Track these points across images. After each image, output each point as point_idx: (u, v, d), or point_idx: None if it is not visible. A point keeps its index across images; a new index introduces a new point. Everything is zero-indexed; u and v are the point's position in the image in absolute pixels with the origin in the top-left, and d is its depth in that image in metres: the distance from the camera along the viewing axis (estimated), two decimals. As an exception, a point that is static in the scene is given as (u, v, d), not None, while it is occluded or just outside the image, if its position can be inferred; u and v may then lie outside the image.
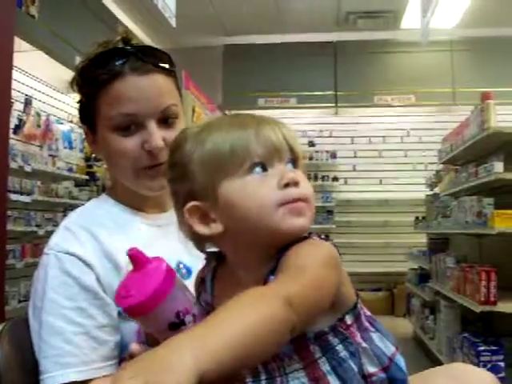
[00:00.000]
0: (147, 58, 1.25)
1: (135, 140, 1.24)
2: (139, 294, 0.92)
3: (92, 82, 1.24)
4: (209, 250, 1.04)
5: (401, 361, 0.97)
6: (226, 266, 1.02)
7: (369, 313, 1.00)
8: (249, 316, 0.73)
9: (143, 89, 1.23)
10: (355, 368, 0.92)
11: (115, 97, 1.21)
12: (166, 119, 1.26)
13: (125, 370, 0.63)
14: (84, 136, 1.37)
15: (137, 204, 1.34)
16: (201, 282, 1.05)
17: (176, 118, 1.28)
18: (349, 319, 0.94)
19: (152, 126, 1.24)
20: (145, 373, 0.61)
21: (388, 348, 0.96)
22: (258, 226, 0.93)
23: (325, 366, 0.92)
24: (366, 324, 0.97)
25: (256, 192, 0.94)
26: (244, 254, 0.97)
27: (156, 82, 1.25)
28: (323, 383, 0.91)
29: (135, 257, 0.97)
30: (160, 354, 0.64)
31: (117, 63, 1.22)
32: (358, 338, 0.94)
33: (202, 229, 0.97)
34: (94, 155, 6.03)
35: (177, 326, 0.96)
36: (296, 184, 0.94)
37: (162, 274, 0.94)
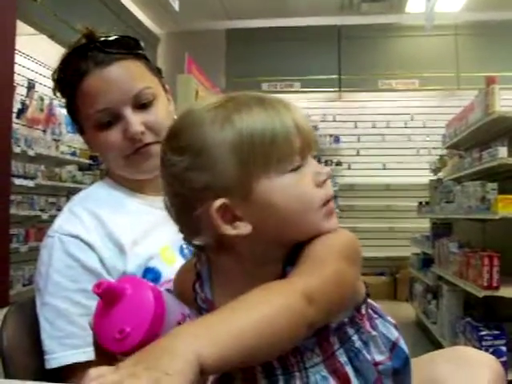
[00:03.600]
0: (109, 49, 1.25)
1: (116, 132, 1.25)
2: (137, 329, 0.81)
3: (66, 86, 1.26)
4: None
5: (403, 344, 0.97)
6: (226, 260, 0.91)
7: (370, 301, 0.99)
8: (264, 308, 0.70)
9: (110, 79, 1.23)
10: (369, 357, 0.91)
11: (87, 94, 1.23)
12: (141, 104, 1.27)
13: (128, 359, 0.63)
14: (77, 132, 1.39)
15: (137, 187, 1.35)
16: (196, 279, 0.96)
17: (153, 100, 1.28)
18: (363, 309, 0.94)
19: (128, 113, 1.25)
20: (146, 360, 0.61)
21: (391, 333, 0.96)
22: (300, 226, 0.86)
23: (342, 357, 0.90)
24: (370, 311, 0.96)
25: (299, 191, 0.85)
26: (263, 249, 0.87)
27: (122, 69, 1.25)
28: (341, 374, 0.90)
29: (108, 291, 0.83)
30: (163, 343, 0.64)
31: (81, 61, 1.23)
32: (368, 327, 0.93)
33: (229, 230, 0.83)
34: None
35: None
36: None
37: (150, 298, 0.84)
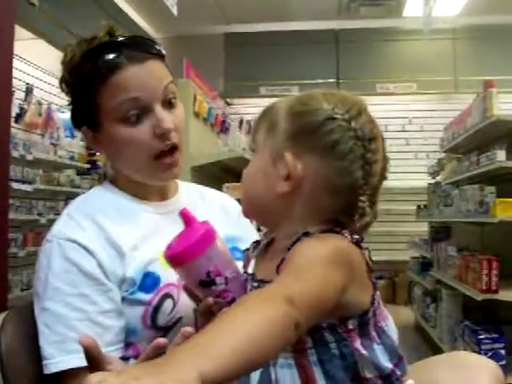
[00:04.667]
0: (140, 47, 1.25)
1: (145, 127, 1.24)
2: (177, 246, 1.02)
3: (89, 79, 1.23)
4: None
5: (403, 369, 0.97)
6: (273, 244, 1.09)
7: (383, 324, 0.99)
8: (251, 320, 0.72)
9: (143, 76, 1.23)
10: (343, 368, 0.93)
11: (117, 87, 1.21)
12: (168, 101, 1.27)
13: (131, 368, 0.63)
14: (85, 137, 1.35)
15: (140, 193, 1.34)
16: (246, 261, 1.13)
17: (176, 98, 1.29)
18: (351, 324, 0.94)
19: (159, 109, 1.24)
20: (149, 368, 0.62)
21: (389, 362, 0.96)
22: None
23: (312, 357, 0.93)
24: (373, 334, 0.96)
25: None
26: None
27: (153, 67, 1.26)
28: (307, 371, 0.93)
29: (184, 215, 1.06)
30: (165, 358, 0.65)
31: (112, 56, 1.22)
32: (358, 344, 0.93)
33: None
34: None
35: (207, 284, 1.02)
36: None
37: (200, 234, 1.02)
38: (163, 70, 1.29)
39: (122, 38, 1.26)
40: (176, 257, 1.02)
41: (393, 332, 1.00)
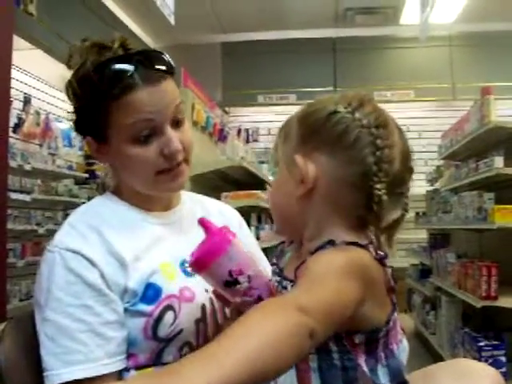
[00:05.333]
0: (155, 65, 1.24)
1: (154, 147, 1.23)
2: (198, 252, 1.06)
3: (101, 93, 1.21)
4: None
5: None
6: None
7: (394, 347, 0.99)
8: (264, 330, 0.72)
9: (157, 98, 1.22)
10: (342, 380, 0.93)
11: (130, 107, 1.20)
12: (176, 120, 1.27)
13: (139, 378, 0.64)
14: (88, 146, 1.33)
15: (143, 203, 1.33)
16: (280, 254, 1.17)
17: (183, 117, 1.29)
18: (357, 339, 0.94)
19: (169, 130, 1.24)
20: (157, 378, 0.64)
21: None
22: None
23: (312, 362, 0.94)
24: (381, 354, 0.96)
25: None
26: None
27: (167, 87, 1.25)
28: (305, 376, 0.94)
29: (203, 223, 1.09)
30: (172, 369, 0.66)
31: (126, 74, 1.20)
32: (361, 361, 0.93)
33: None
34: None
35: (231, 284, 1.04)
36: None
37: (218, 236, 1.06)
38: (175, 90, 1.28)
39: (137, 56, 1.24)
40: (198, 262, 1.05)
41: (404, 354, 1.00)
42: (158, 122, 1.23)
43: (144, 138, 1.23)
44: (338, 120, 1.01)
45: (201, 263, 1.05)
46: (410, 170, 1.10)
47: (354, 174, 0.99)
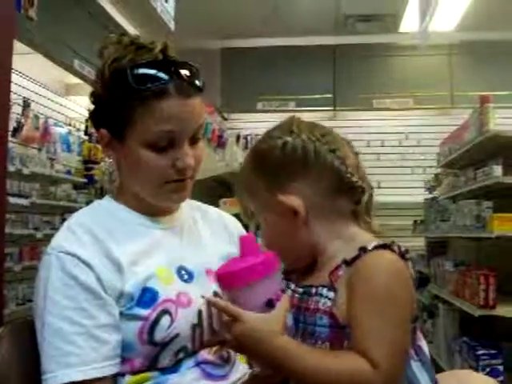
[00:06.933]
0: (190, 80, 1.25)
1: (167, 158, 1.24)
2: (230, 267, 1.05)
3: (130, 93, 1.21)
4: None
5: None
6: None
7: (422, 343, 1.04)
8: (340, 371, 0.90)
9: (185, 113, 1.23)
10: None
11: (158, 114, 1.20)
12: (194, 138, 1.28)
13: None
14: (101, 139, 1.33)
15: (141, 207, 1.34)
16: (291, 272, 1.18)
17: (201, 137, 1.31)
18: None
19: (186, 145, 1.25)
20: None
21: (425, 381, 0.97)
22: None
23: None
24: (411, 351, 1.00)
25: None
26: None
27: (195, 104, 1.26)
28: None
29: (245, 242, 1.06)
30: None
31: (161, 80, 1.21)
32: None
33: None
34: (91, 158, 6.04)
35: (271, 305, 1.03)
36: None
37: (268, 255, 1.05)
38: (202, 108, 1.30)
39: (176, 65, 1.24)
40: (223, 276, 1.05)
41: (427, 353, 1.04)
42: (179, 135, 1.24)
43: (160, 147, 1.23)
44: (292, 148, 1.10)
45: (224, 280, 1.05)
46: (357, 154, 1.20)
47: (331, 181, 1.09)
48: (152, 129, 1.21)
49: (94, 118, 1.34)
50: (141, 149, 1.24)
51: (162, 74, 1.21)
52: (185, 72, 1.25)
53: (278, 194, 1.09)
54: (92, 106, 1.33)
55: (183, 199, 1.34)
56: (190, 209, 1.47)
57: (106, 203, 1.37)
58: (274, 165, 1.11)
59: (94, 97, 1.31)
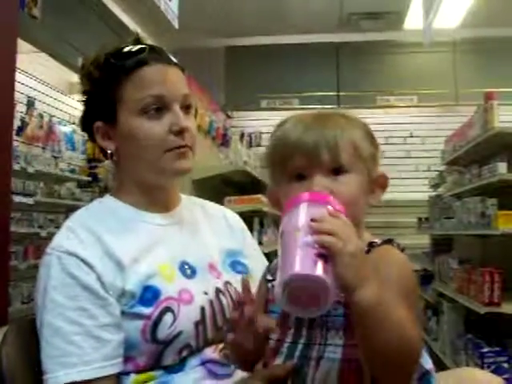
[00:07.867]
0: (165, 54, 1.34)
1: (163, 123, 1.28)
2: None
3: (116, 70, 1.28)
4: None
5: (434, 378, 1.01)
6: None
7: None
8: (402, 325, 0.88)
9: (168, 75, 1.30)
10: None
11: (143, 80, 1.27)
12: (185, 106, 1.32)
13: None
14: (97, 133, 1.34)
15: (142, 204, 1.34)
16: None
17: (192, 110, 1.35)
18: None
19: (177, 108, 1.29)
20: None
21: (426, 362, 1.00)
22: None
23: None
24: None
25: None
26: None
27: (177, 72, 1.34)
28: (354, 366, 0.95)
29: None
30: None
31: (139, 52, 1.29)
32: None
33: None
34: (96, 156, 6.05)
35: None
36: None
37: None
38: (184, 80, 1.36)
39: (150, 46, 1.34)
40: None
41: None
42: (168, 100, 1.28)
43: (153, 112, 1.27)
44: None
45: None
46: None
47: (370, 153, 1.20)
48: (139, 95, 1.27)
49: (86, 116, 1.37)
50: (135, 119, 1.27)
51: (139, 48, 1.30)
52: (160, 48, 1.36)
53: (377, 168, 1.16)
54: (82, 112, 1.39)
55: (186, 170, 1.31)
56: (191, 205, 1.47)
57: (106, 201, 1.37)
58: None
59: (84, 94, 1.36)
